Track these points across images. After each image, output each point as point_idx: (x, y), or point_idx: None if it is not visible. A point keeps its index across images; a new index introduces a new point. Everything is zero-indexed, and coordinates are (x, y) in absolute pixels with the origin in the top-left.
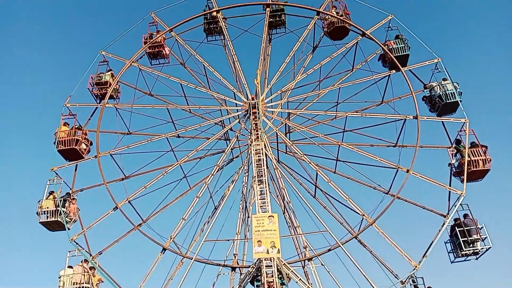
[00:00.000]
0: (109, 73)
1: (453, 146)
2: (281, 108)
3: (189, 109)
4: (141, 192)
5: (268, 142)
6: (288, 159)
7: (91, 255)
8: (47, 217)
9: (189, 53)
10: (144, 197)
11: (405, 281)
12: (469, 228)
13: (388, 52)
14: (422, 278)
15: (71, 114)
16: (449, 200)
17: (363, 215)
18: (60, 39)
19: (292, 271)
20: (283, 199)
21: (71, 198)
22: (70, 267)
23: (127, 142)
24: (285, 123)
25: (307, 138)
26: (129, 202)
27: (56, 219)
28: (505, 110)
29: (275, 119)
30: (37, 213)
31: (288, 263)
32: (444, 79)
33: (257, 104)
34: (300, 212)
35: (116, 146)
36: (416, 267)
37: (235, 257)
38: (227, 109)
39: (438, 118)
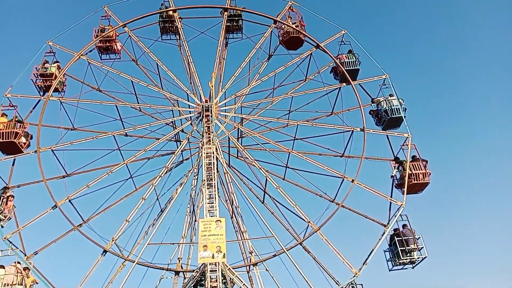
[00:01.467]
0: (55, 64)
1: (396, 159)
2: (234, 113)
3: (139, 107)
4: (83, 191)
5: (220, 145)
6: (239, 164)
7: (25, 255)
8: None
9: (142, 50)
10: (86, 196)
11: (345, 287)
12: (407, 238)
13: (340, 65)
14: (361, 284)
15: (11, 105)
16: (389, 210)
17: (309, 222)
18: (5, 25)
19: (236, 276)
20: (232, 204)
21: (8, 195)
22: (1, 267)
23: (70, 138)
24: (238, 128)
25: (258, 144)
26: (69, 201)
27: None
28: (445, 127)
29: (228, 123)
30: None
31: (233, 268)
32: (391, 95)
33: (211, 107)
34: (248, 217)
35: (58, 141)
36: (356, 274)
37: (179, 261)
38: (179, 110)
39: (383, 132)
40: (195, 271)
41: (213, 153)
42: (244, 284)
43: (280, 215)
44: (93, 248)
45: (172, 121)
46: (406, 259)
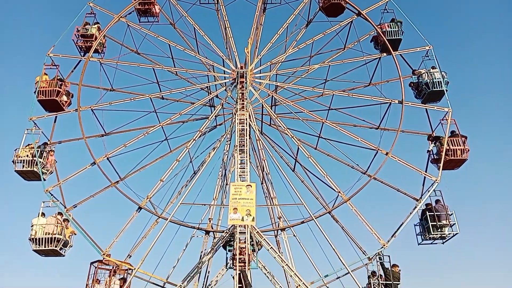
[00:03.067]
0: (95, 26)
1: (433, 134)
2: (269, 80)
3: (176, 71)
4: (120, 150)
5: (253, 112)
6: (271, 132)
7: (65, 207)
8: (23, 166)
9: (180, 14)
10: (123, 156)
11: (372, 258)
12: (439, 213)
13: (382, 34)
14: (389, 256)
15: (53, 64)
16: (423, 185)
17: (339, 192)
18: None
19: (264, 239)
20: (263, 170)
21: (49, 149)
22: (43, 214)
23: (109, 99)
24: (272, 96)
25: (292, 112)
26: (107, 159)
27: (32, 169)
28: (488, 103)
29: (262, 91)
30: (13, 161)
31: (261, 231)
32: (433, 67)
33: (246, 73)
34: (278, 184)
35: (98, 101)
36: (384, 245)
37: (210, 221)
38: (214, 75)
39: (423, 105)
40: (225, 231)
41: (246, 119)
42: (271, 247)
43: (310, 184)
44: (129, 205)
45: (207, 86)
46: (437, 234)
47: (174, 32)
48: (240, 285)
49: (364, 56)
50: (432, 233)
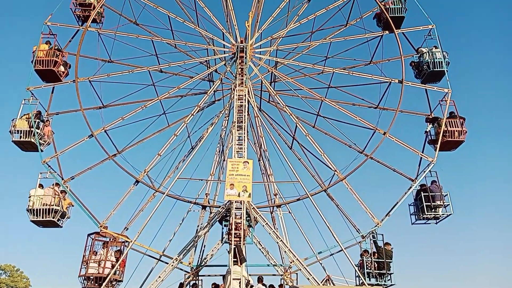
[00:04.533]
0: None
1: (432, 114)
2: (269, 56)
3: (175, 44)
4: (118, 123)
5: (252, 88)
6: (270, 108)
7: (62, 179)
8: (20, 136)
9: None
10: (121, 129)
11: (365, 236)
12: (434, 194)
13: (385, 11)
14: (382, 235)
15: (51, 33)
16: (419, 165)
17: (335, 170)
18: None
19: (260, 215)
20: (260, 147)
21: (46, 120)
22: (40, 185)
23: (107, 71)
24: (271, 72)
25: (291, 89)
26: (105, 131)
27: (29, 139)
28: (487, 86)
29: (262, 66)
30: (10, 132)
31: (257, 207)
32: (435, 47)
33: (246, 48)
34: (275, 161)
35: (95, 73)
36: (378, 224)
37: (206, 196)
38: (214, 49)
39: (422, 85)
40: (221, 207)
41: (245, 95)
42: (266, 223)
43: (307, 162)
44: (126, 178)
45: (206, 60)
46: (430, 214)
47: (173, 3)
48: (235, 259)
49: (366, 34)
50: (426, 213)
